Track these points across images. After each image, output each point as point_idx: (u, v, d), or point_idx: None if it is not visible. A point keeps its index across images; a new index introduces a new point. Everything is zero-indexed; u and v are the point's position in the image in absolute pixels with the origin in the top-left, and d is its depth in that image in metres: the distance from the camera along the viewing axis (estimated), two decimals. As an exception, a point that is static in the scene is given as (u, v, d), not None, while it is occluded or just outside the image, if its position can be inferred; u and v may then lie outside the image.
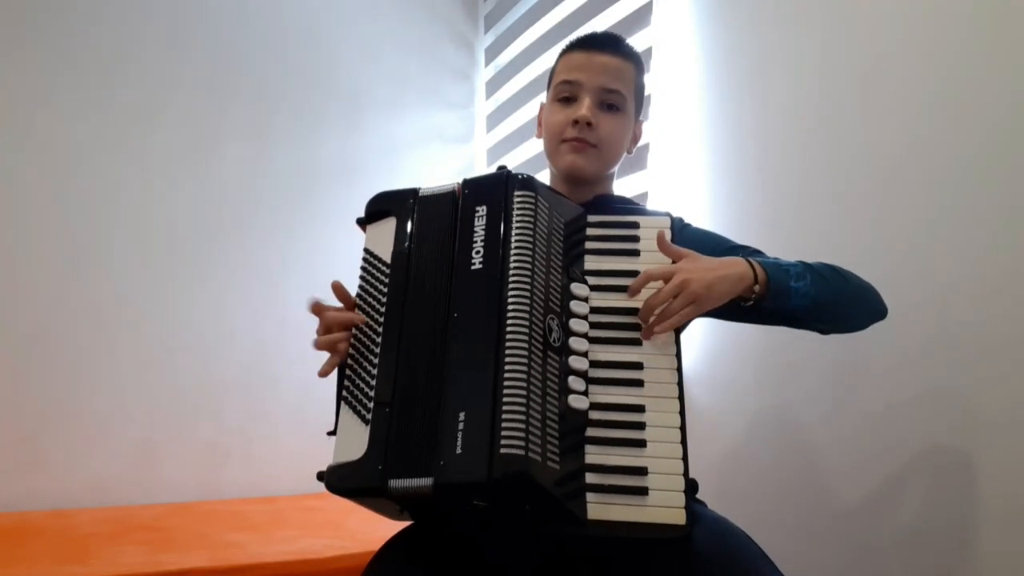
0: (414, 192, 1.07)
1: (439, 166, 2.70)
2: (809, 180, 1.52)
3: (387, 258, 1.05)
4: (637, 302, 1.00)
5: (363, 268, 1.07)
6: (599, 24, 2.13)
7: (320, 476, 0.96)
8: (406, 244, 1.04)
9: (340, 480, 0.94)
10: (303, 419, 2.35)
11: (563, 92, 1.16)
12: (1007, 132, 1.18)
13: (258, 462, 2.31)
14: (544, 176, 1.18)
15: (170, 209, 2.29)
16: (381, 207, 1.09)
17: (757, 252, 1.14)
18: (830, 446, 1.43)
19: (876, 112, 1.39)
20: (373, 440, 0.94)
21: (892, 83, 1.36)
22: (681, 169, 1.84)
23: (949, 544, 1.22)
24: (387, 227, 1.07)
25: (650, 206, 1.81)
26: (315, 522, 1.89)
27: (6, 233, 2.11)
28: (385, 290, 1.03)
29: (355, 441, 0.95)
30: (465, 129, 2.78)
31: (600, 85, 1.14)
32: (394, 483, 0.90)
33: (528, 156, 2.48)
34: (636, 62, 1.19)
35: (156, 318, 2.25)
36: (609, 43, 1.17)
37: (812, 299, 1.01)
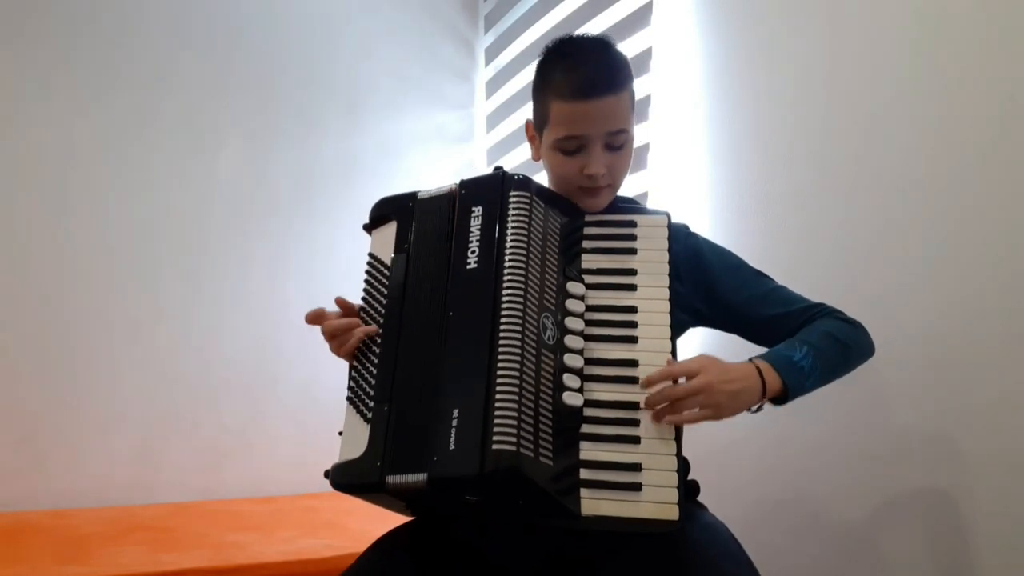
0: (413, 195, 1.10)
1: (439, 166, 2.69)
2: (809, 180, 1.52)
3: (388, 262, 1.08)
4: (634, 301, 1.00)
5: (367, 272, 1.10)
6: (599, 25, 2.13)
7: (326, 474, 0.99)
8: (405, 246, 1.07)
9: (342, 477, 0.98)
10: (303, 419, 2.35)
11: (568, 147, 1.08)
12: (1011, 131, 1.18)
13: (258, 462, 2.32)
14: (542, 178, 1.18)
15: (170, 209, 2.29)
16: (383, 212, 1.13)
17: (769, 280, 1.14)
18: (831, 447, 1.43)
19: (877, 112, 1.39)
20: (372, 438, 0.97)
21: (894, 83, 1.36)
22: (681, 169, 1.84)
23: (951, 546, 1.22)
24: (389, 232, 1.10)
25: (650, 206, 1.80)
26: (315, 522, 1.89)
27: (5, 233, 2.11)
28: (387, 292, 1.05)
29: (357, 439, 0.98)
30: (465, 129, 2.78)
31: (606, 131, 1.07)
32: (391, 479, 0.93)
33: (528, 156, 2.47)
34: (629, 84, 1.11)
35: (156, 318, 2.25)
36: (603, 82, 1.06)
37: (817, 386, 1.04)
